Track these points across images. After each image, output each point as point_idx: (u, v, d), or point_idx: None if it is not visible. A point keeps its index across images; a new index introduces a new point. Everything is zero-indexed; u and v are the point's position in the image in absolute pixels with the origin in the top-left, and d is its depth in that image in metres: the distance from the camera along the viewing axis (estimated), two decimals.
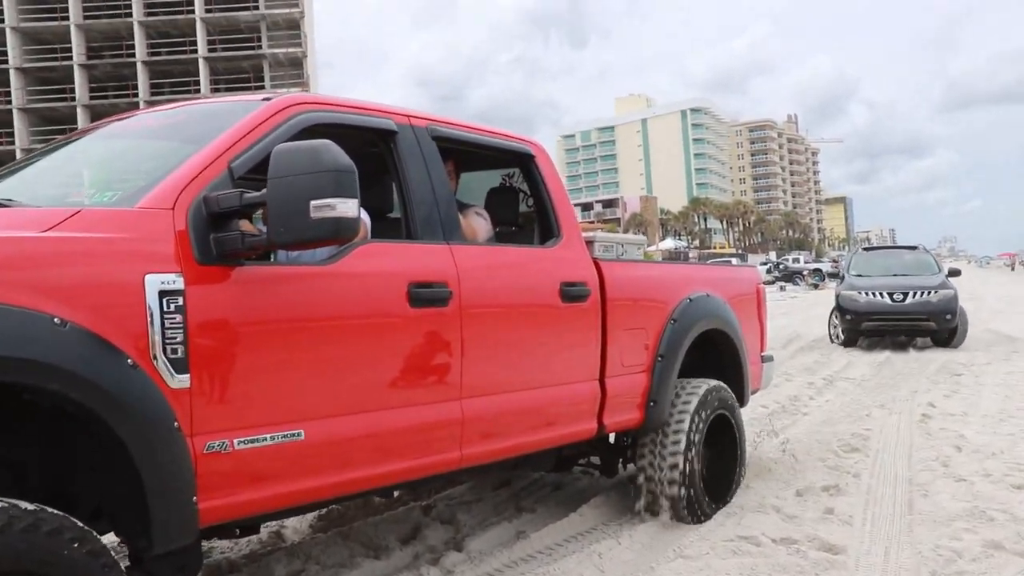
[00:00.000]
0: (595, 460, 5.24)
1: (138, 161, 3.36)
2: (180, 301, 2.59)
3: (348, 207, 2.67)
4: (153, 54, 63.07)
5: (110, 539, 2.76)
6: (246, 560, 4.46)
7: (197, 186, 2.81)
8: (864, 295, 15.01)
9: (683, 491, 4.80)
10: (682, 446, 4.82)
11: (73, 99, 60.85)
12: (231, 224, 2.79)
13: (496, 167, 5.01)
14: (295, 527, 5.03)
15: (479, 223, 4.38)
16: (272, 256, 3.44)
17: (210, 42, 63.32)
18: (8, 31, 59.52)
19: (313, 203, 2.63)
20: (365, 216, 3.55)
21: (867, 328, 15.12)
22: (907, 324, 14.95)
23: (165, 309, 2.56)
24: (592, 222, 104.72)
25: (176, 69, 62.82)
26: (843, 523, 4.87)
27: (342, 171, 2.68)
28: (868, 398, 9.69)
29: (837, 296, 15.67)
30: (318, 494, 3.07)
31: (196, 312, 2.64)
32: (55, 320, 2.29)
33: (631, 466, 5.09)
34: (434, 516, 5.17)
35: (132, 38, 62.07)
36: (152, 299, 2.54)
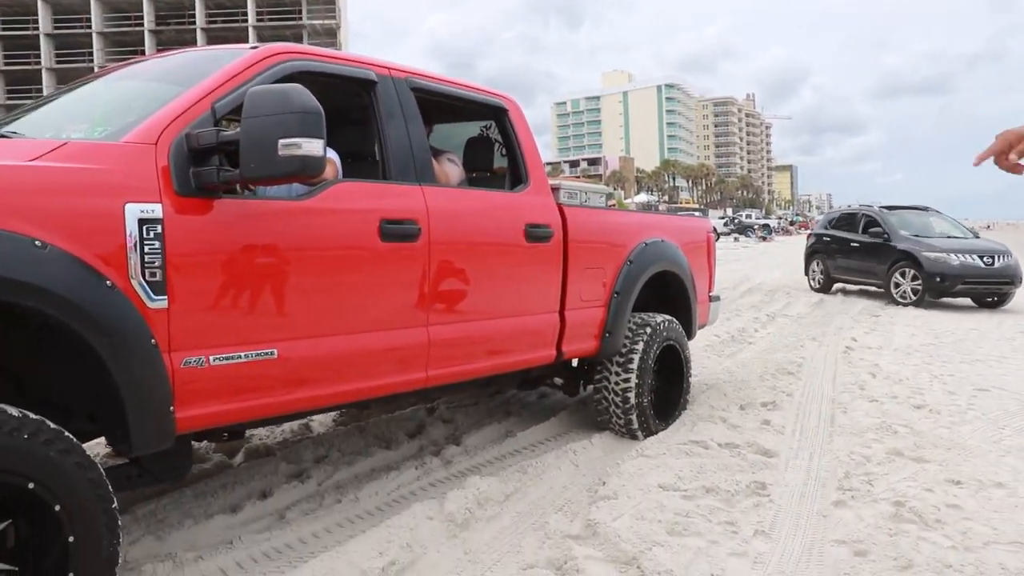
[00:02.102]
0: (559, 381, 5.12)
1: (133, 100, 3.12)
2: (159, 229, 2.42)
3: (313, 146, 2.50)
4: (211, 22, 62.16)
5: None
6: (280, 446, 4.52)
7: (180, 124, 2.62)
8: (957, 257, 12.76)
9: (634, 412, 4.70)
10: (634, 372, 4.69)
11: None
12: (210, 159, 2.61)
13: (474, 119, 4.77)
14: (321, 420, 5.08)
15: (451, 168, 4.17)
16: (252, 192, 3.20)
17: (258, 13, 62.56)
18: (93, 1, 59.02)
19: (281, 141, 2.47)
20: (335, 156, 3.35)
21: (960, 291, 12.83)
22: (995, 287, 12.84)
23: (144, 236, 2.39)
24: (578, 176, 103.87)
25: (230, 36, 61.77)
26: (777, 432, 4.93)
27: (308, 112, 2.50)
28: (803, 332, 9.72)
29: (900, 253, 13.23)
30: (291, 407, 2.91)
31: (174, 239, 2.47)
32: (36, 243, 2.11)
33: (591, 387, 4.97)
34: (437, 416, 5.21)
35: (194, 8, 61.42)
36: (132, 226, 2.36)
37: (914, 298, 12.96)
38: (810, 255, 15.99)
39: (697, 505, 3.62)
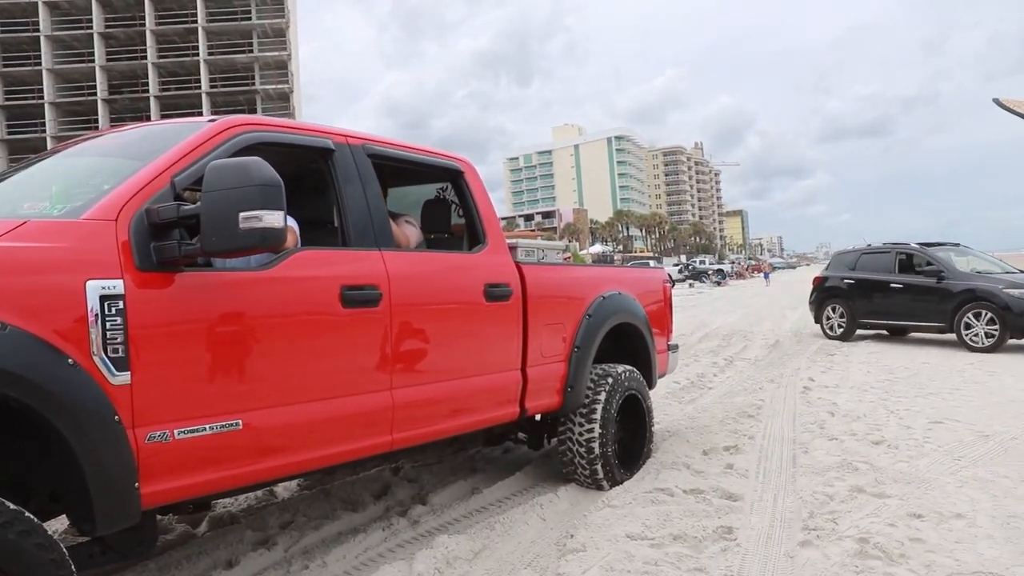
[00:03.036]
0: (523, 436, 5.10)
1: (92, 176, 3.13)
2: (120, 304, 2.41)
3: (274, 218, 2.50)
4: (164, 90, 62.10)
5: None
6: (244, 513, 4.46)
7: (140, 199, 2.62)
8: None
9: (599, 462, 4.70)
10: (597, 423, 4.70)
11: (97, 128, 59.65)
12: (171, 234, 2.60)
13: (430, 181, 4.81)
14: (285, 486, 5.00)
15: (410, 231, 4.19)
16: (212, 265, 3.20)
17: (211, 80, 62.54)
18: (45, 72, 59.22)
19: (242, 215, 2.47)
20: (294, 224, 3.37)
21: None
22: None
23: (106, 312, 2.37)
24: (533, 231, 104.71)
25: (183, 102, 61.72)
26: (741, 476, 4.96)
27: (268, 185, 2.50)
28: (761, 374, 9.82)
29: (967, 293, 12.04)
30: (258, 476, 2.87)
31: (136, 314, 2.45)
32: None
33: (555, 439, 4.96)
34: (402, 476, 5.16)
35: (147, 77, 61.31)
36: (93, 302, 2.34)
37: (989, 342, 11.68)
38: (822, 300, 14.54)
39: (665, 553, 3.62)
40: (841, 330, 14.07)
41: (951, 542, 3.69)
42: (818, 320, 14.64)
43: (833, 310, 14.33)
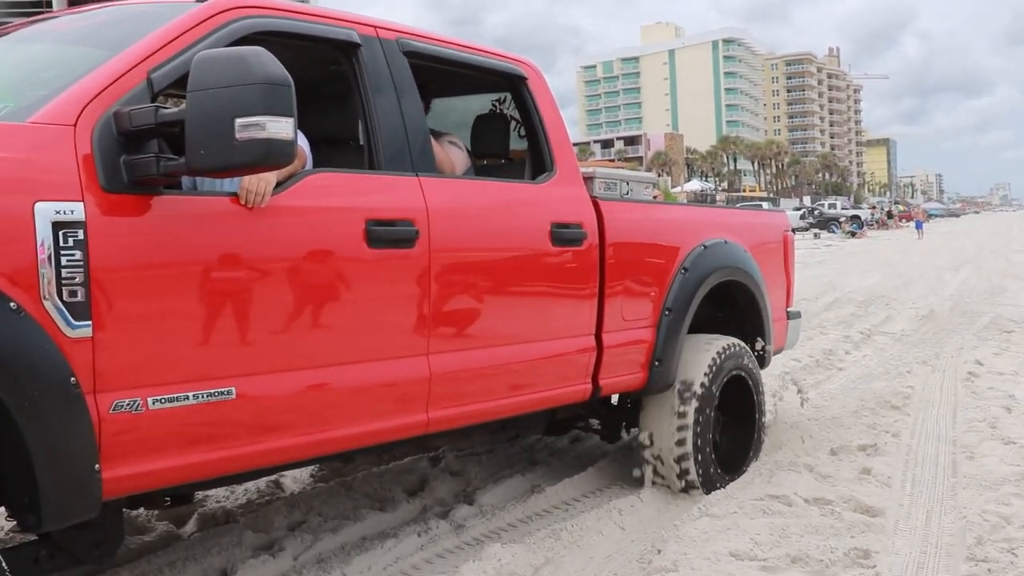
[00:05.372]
0: (595, 424, 5.12)
1: (45, 68, 3.10)
2: (80, 235, 2.38)
3: (281, 127, 2.47)
4: None
5: None
6: (243, 510, 4.53)
7: (107, 99, 2.59)
8: None
9: (691, 463, 4.67)
10: (691, 411, 4.67)
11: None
12: (147, 145, 2.57)
13: (484, 91, 4.81)
14: (295, 476, 5.08)
15: (456, 154, 4.20)
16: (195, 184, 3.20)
17: None
18: None
19: (239, 121, 2.43)
20: (304, 141, 3.35)
21: None
22: None
23: (61, 244, 2.34)
24: (612, 161, 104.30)
25: None
26: (881, 484, 4.88)
27: (274, 83, 2.46)
28: (909, 354, 9.67)
29: None
30: (253, 461, 2.88)
31: (101, 248, 2.43)
32: None
33: (635, 430, 4.95)
34: (443, 468, 5.22)
35: None
36: (44, 232, 2.31)
37: None
38: None
39: None
40: None
41: None
42: None
43: None
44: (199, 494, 4.46)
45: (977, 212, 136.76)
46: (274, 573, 3.73)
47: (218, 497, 4.70)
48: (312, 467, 5.14)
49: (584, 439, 5.99)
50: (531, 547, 3.89)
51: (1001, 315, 12.97)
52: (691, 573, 3.62)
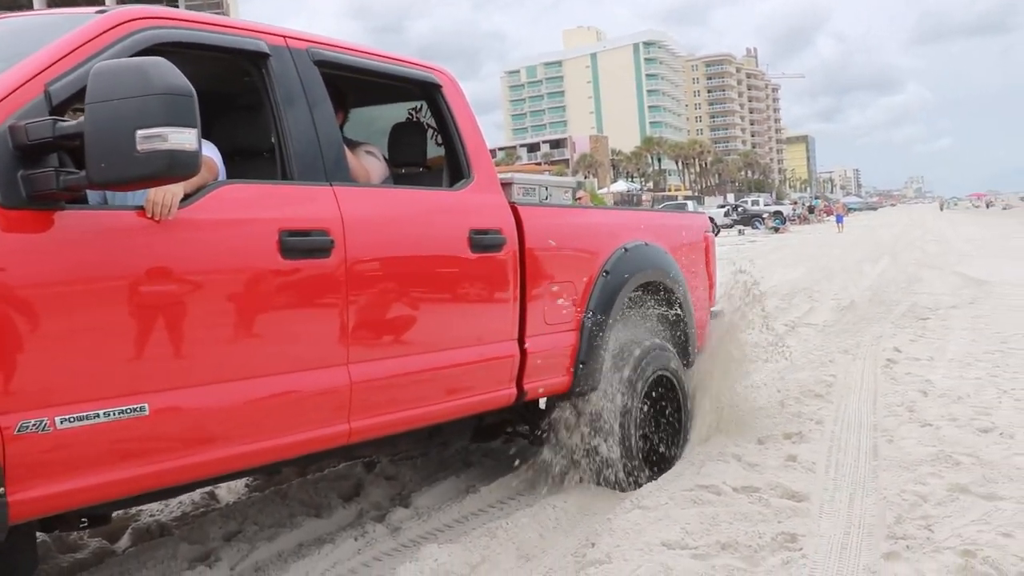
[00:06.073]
0: (523, 428, 5.08)
1: None
2: None
3: (184, 138, 2.41)
4: None
5: None
6: (177, 523, 4.48)
7: (1, 113, 2.52)
8: None
9: (618, 462, 4.68)
10: (618, 411, 4.69)
11: None
12: (46, 159, 2.51)
13: (399, 100, 4.77)
14: (229, 486, 5.03)
15: (372, 163, 4.16)
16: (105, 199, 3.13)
17: None
18: None
19: (140, 133, 2.37)
20: (214, 153, 3.29)
21: None
22: None
23: None
24: (538, 164, 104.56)
25: (83, 0, 61.19)
26: (806, 470, 4.99)
27: (176, 94, 2.41)
28: (831, 343, 9.84)
29: None
30: (169, 478, 2.83)
31: (1, 265, 2.38)
32: None
33: (565, 431, 4.87)
34: (377, 473, 5.22)
35: None
36: None
37: None
38: None
39: (712, 566, 3.64)
40: None
41: None
42: None
43: None
44: (134, 508, 4.39)
45: (893, 205, 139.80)
46: None
47: (152, 511, 4.62)
48: (245, 477, 5.09)
49: (518, 440, 6.01)
50: (467, 546, 3.90)
51: (917, 303, 13.32)
52: (624, 564, 3.65)
